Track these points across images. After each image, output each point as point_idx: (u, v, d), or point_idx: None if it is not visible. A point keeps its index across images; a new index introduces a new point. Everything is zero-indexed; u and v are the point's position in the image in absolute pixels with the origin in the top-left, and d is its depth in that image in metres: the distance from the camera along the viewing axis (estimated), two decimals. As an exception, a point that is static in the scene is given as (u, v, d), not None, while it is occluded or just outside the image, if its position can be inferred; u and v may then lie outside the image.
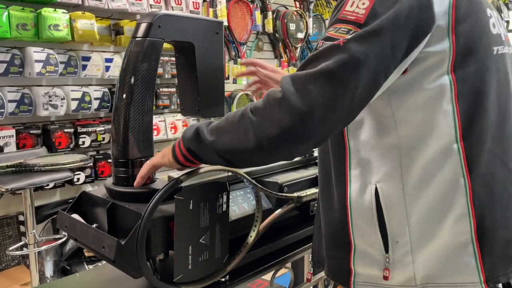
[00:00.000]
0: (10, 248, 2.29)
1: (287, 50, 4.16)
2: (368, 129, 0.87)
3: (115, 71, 2.86)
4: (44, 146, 2.60)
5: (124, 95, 0.95)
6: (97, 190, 1.07)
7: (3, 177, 2.19)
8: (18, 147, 2.52)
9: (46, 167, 2.25)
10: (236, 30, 3.55)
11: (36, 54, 2.47)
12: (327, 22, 4.61)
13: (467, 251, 0.84)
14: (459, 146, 0.83)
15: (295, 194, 1.15)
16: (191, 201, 0.90)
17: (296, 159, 1.31)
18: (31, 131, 2.60)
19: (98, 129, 2.83)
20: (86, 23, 2.67)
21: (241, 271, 1.08)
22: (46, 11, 2.47)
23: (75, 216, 1.01)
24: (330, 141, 0.94)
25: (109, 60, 2.85)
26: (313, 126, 0.72)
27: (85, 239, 0.94)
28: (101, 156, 2.87)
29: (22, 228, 2.62)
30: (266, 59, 4.12)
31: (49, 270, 2.61)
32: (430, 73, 0.81)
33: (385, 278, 0.87)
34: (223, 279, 1.04)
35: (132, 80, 0.94)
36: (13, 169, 2.22)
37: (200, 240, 0.94)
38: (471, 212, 0.84)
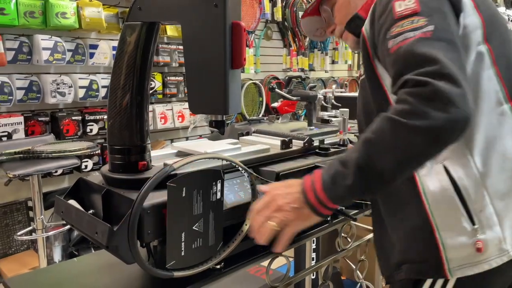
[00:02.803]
0: (19, 233, 2.33)
1: (296, 39, 4.11)
2: None
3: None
4: (52, 133, 2.63)
5: (112, 81, 0.95)
6: (95, 176, 1.08)
7: (11, 163, 2.23)
8: (27, 134, 2.56)
9: (53, 154, 2.28)
10: (244, 18, 3.52)
11: (44, 41, 2.49)
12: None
13: None
14: (510, 106, 0.91)
15: (292, 183, 1.14)
16: (184, 188, 0.90)
17: (294, 148, 1.30)
18: (40, 119, 2.63)
19: (105, 117, 2.85)
20: (94, 11, 2.68)
21: (237, 258, 1.08)
22: (54, -1, 2.49)
23: (72, 202, 1.02)
24: None
25: (116, 48, 2.85)
26: (469, 101, 0.76)
27: (80, 225, 0.95)
28: (109, 144, 2.90)
29: (31, 214, 2.67)
30: (275, 48, 4.09)
31: (57, 255, 2.66)
32: (469, 42, 0.90)
33: (479, 250, 0.87)
34: (218, 266, 1.04)
35: (115, 66, 0.93)
36: (21, 155, 2.25)
37: (193, 228, 0.94)
38: None
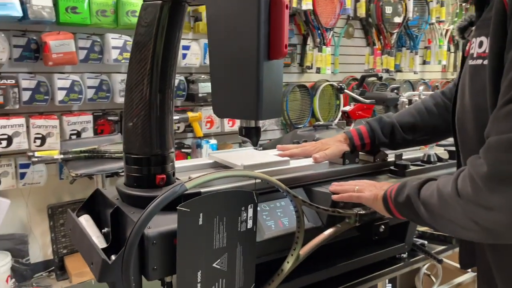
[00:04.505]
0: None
1: (381, 37, 3.73)
2: None
3: (191, 58, 2.78)
4: (120, 133, 2.62)
5: (128, 75, 0.77)
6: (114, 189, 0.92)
7: (76, 162, 2.23)
8: (96, 133, 2.57)
9: (116, 154, 2.25)
10: (323, 14, 3.25)
11: (114, 40, 2.47)
12: (431, 4, 4.07)
13: None
14: None
15: (354, 211, 0.88)
16: (201, 214, 0.69)
17: (361, 164, 1.03)
18: (109, 118, 2.63)
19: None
20: (164, 9, 2.61)
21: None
22: (125, -3, 2.46)
23: (84, 217, 0.87)
24: None
25: (186, 48, 2.77)
26: None
27: (81, 249, 0.79)
28: (176, 146, 2.83)
29: (97, 212, 2.68)
30: (357, 47, 3.75)
31: (120, 256, 2.65)
32: None
33: None
34: (250, 313, 0.82)
35: (132, 56, 0.75)
36: (86, 154, 2.25)
37: (214, 265, 0.73)
38: None
